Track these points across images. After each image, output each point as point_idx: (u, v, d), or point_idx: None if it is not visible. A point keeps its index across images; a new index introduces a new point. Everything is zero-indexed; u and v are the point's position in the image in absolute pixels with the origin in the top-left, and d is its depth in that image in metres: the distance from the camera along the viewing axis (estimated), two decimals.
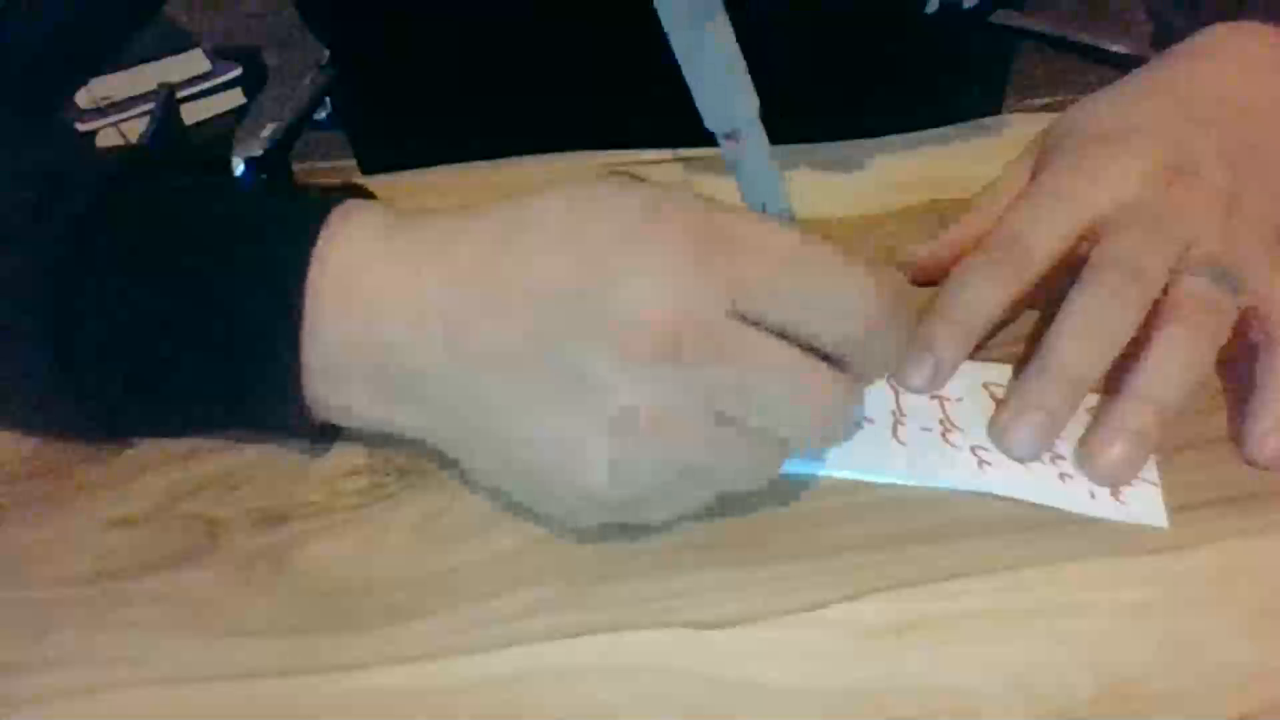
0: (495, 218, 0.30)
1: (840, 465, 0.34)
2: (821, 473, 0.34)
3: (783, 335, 0.29)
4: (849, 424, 0.30)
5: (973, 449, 0.34)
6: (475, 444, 0.31)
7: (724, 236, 0.28)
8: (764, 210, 0.33)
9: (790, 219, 0.33)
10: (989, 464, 0.34)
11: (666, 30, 0.30)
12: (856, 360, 0.30)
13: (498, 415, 0.29)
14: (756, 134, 0.32)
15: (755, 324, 0.28)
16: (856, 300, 0.29)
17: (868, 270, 0.29)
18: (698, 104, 0.31)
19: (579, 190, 0.30)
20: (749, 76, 0.31)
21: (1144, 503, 0.33)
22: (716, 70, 0.31)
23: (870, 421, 0.35)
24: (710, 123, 0.31)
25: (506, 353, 0.29)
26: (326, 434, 0.34)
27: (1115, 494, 0.33)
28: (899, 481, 0.34)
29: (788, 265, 0.29)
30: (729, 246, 0.28)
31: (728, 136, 0.32)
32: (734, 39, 0.30)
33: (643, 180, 0.31)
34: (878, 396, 0.36)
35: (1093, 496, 0.33)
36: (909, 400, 0.36)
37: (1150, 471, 0.34)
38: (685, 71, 0.30)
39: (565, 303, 0.28)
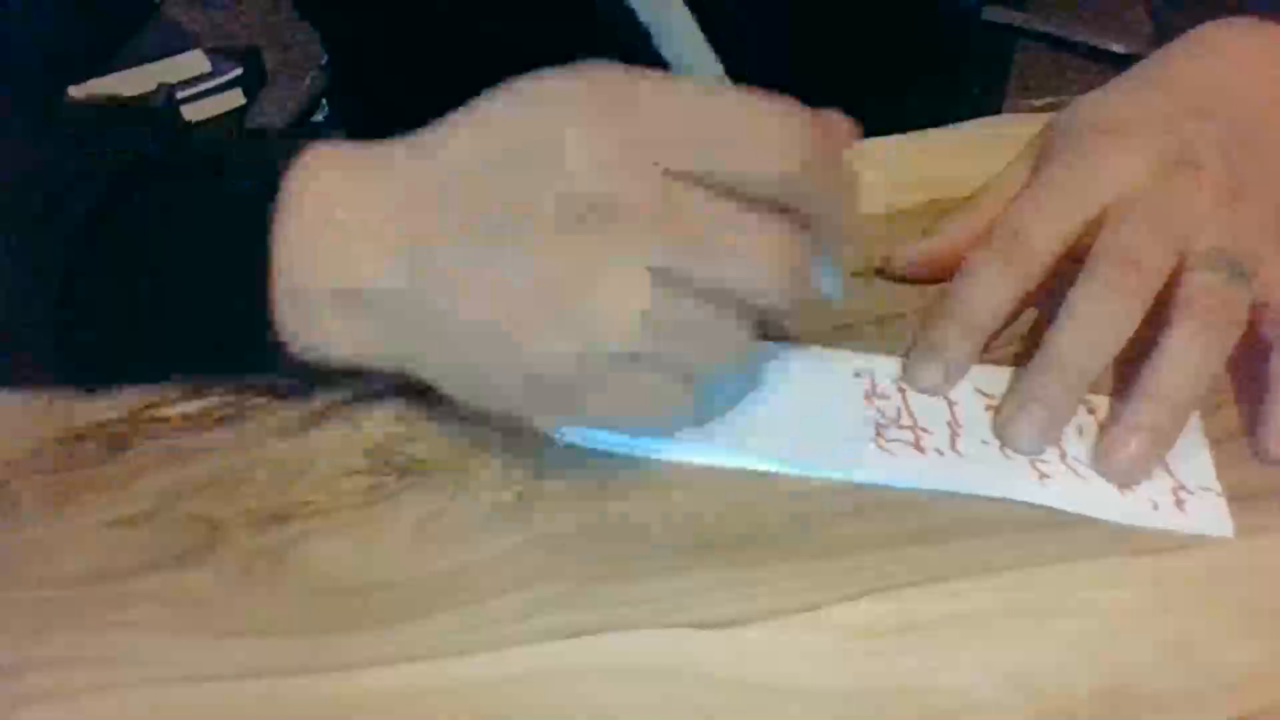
0: (445, 122, 0.31)
1: (899, 477, 0.34)
2: (898, 484, 0.33)
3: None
4: (807, 276, 0.30)
5: (1032, 462, 0.34)
6: (431, 340, 0.32)
7: (632, 98, 0.30)
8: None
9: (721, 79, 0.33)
10: (1049, 477, 0.33)
11: None
12: (796, 202, 0.30)
13: (448, 294, 0.30)
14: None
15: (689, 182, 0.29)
16: (777, 137, 0.29)
17: (788, 108, 0.30)
18: None
19: (528, 96, 0.31)
20: None
21: (1207, 512, 0.32)
22: None
23: (927, 432, 0.35)
24: None
25: (449, 230, 0.30)
26: (308, 376, 0.34)
27: (1178, 505, 0.33)
28: (958, 491, 0.33)
29: (701, 113, 0.30)
30: (638, 107, 0.29)
31: (655, 7, 0.32)
32: None
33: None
34: (933, 407, 0.36)
35: (1155, 508, 0.33)
36: (965, 412, 0.36)
37: (1212, 480, 0.33)
38: None
39: (493, 173, 0.30)
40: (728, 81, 0.33)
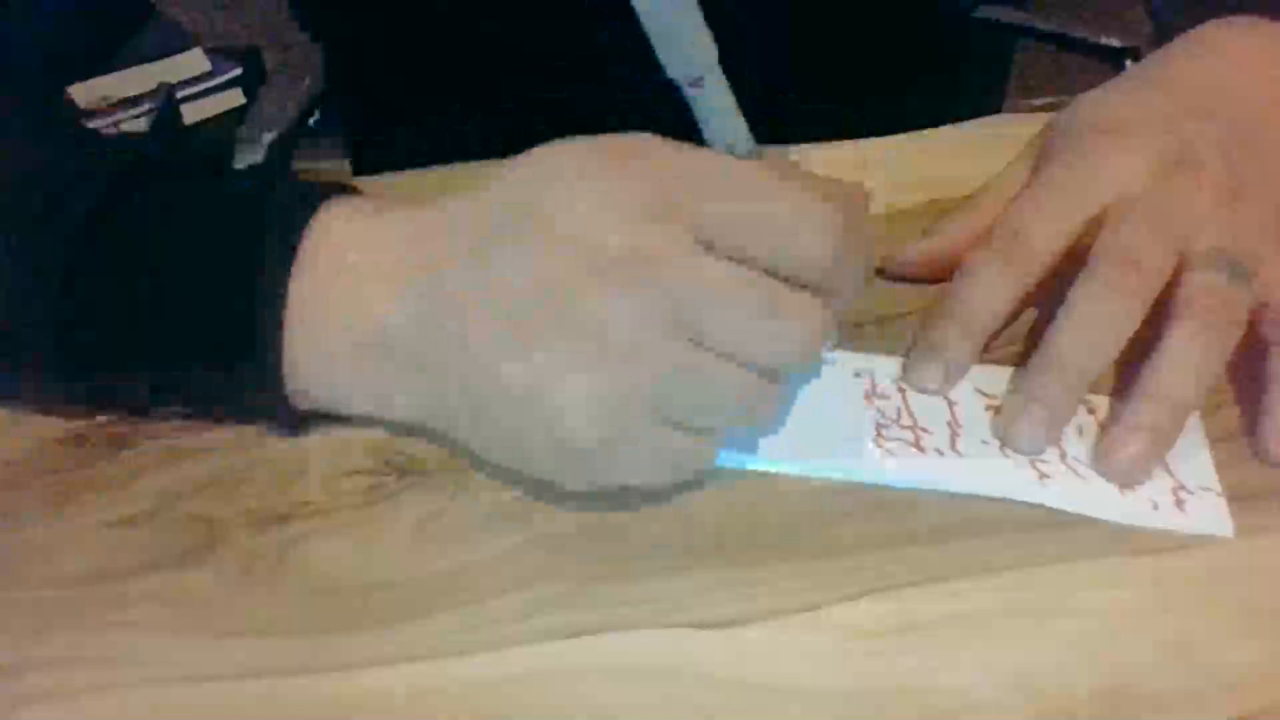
0: (472, 192, 0.32)
1: (899, 477, 0.34)
2: (897, 484, 0.33)
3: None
4: (819, 347, 0.30)
5: (1032, 462, 0.34)
6: (451, 397, 0.31)
7: (681, 170, 0.30)
8: (730, 150, 0.33)
9: (757, 157, 0.34)
10: (1049, 477, 0.33)
11: None
12: (823, 285, 0.30)
13: (467, 355, 0.30)
14: (717, 77, 0.32)
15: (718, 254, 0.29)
16: (816, 228, 0.30)
17: (825, 195, 0.30)
18: (659, 54, 0.32)
19: (544, 152, 0.31)
20: (704, 23, 0.32)
21: (1207, 512, 0.32)
22: (675, 18, 0.31)
23: (927, 432, 0.35)
24: (673, 70, 0.32)
25: (458, 253, 0.30)
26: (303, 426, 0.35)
27: (1178, 505, 0.33)
28: (958, 491, 0.33)
29: (745, 196, 0.30)
30: (686, 179, 0.29)
31: (691, 84, 0.32)
32: None
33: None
34: (933, 407, 0.36)
35: (1155, 508, 0.33)
36: (965, 412, 0.36)
37: (1212, 480, 0.33)
38: (644, 22, 0.31)
39: (516, 226, 0.29)
40: (761, 154, 0.33)
